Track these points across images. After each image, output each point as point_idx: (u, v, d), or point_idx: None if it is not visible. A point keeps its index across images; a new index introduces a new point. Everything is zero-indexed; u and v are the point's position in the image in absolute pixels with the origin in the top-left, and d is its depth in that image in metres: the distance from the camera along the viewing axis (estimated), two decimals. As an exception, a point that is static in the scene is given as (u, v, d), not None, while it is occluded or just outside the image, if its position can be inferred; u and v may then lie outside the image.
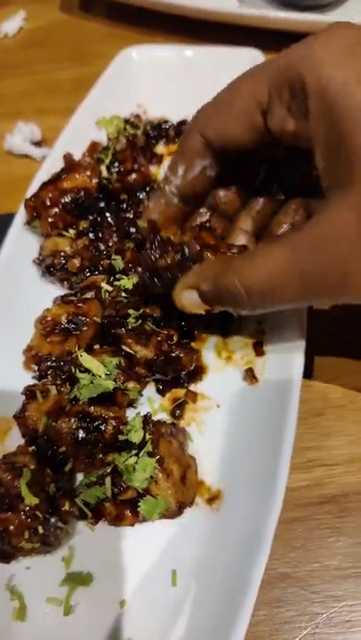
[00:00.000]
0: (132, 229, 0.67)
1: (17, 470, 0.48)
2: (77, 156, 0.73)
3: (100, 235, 0.66)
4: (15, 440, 0.53)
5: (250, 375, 0.58)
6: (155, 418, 0.56)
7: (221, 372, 0.60)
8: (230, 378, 0.59)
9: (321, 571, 0.51)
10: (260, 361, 0.59)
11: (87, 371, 0.52)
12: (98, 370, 0.52)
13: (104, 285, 0.60)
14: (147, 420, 0.52)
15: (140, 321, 0.56)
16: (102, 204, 0.68)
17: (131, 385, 0.54)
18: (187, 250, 0.54)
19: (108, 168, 0.68)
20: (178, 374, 0.57)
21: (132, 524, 0.50)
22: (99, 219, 0.67)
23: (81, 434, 0.50)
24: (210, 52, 0.88)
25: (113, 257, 0.61)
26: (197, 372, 0.59)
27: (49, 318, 0.59)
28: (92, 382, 0.51)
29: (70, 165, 0.68)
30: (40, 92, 0.99)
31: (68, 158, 0.69)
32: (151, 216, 0.57)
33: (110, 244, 0.65)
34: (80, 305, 0.59)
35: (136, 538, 0.51)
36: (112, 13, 1.11)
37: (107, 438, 0.50)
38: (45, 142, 0.89)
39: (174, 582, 0.48)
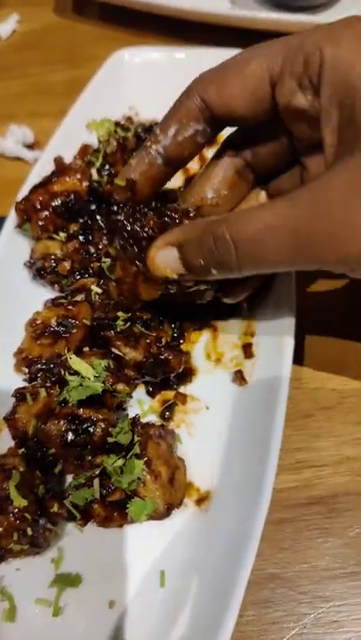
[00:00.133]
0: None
1: (6, 472, 0.49)
2: (69, 159, 0.73)
3: (91, 237, 0.66)
4: (5, 442, 0.54)
5: (239, 377, 0.58)
6: (145, 420, 0.56)
7: (211, 374, 0.60)
8: (220, 380, 0.59)
9: (309, 571, 0.51)
10: (250, 363, 0.59)
11: (76, 373, 0.52)
12: (87, 372, 0.52)
13: (94, 288, 0.60)
14: (135, 422, 0.52)
15: (128, 323, 0.57)
16: (93, 207, 0.69)
17: (120, 387, 0.55)
18: (169, 212, 0.52)
19: (99, 171, 0.68)
20: (167, 376, 0.58)
21: (121, 526, 0.51)
22: (89, 221, 0.67)
23: (70, 436, 0.50)
24: (202, 53, 0.88)
25: (103, 260, 0.61)
26: (187, 374, 0.59)
27: (39, 321, 0.59)
28: (81, 385, 0.52)
29: (61, 168, 0.68)
30: (33, 94, 0.99)
31: (58, 161, 0.69)
32: (131, 175, 0.54)
33: (100, 247, 0.65)
34: (70, 308, 0.59)
35: (125, 539, 0.51)
36: (105, 15, 1.11)
37: (95, 440, 0.50)
38: (38, 145, 0.89)
39: (162, 583, 0.48)
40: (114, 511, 0.50)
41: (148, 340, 0.56)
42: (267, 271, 0.48)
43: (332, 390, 0.61)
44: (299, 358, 0.62)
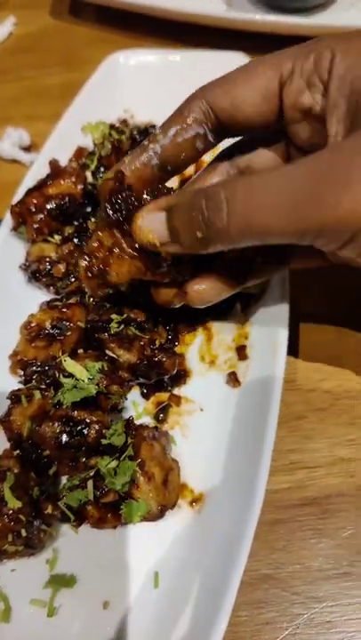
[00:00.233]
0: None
1: (1, 474, 0.49)
2: (64, 162, 0.74)
3: (85, 240, 0.66)
4: (0, 444, 0.54)
5: (233, 379, 0.58)
6: (139, 421, 0.56)
7: (205, 376, 0.60)
8: (214, 381, 0.60)
9: (302, 572, 0.52)
10: (243, 365, 0.59)
11: (71, 375, 0.53)
12: (81, 374, 0.52)
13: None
14: (129, 424, 0.53)
15: (122, 326, 0.57)
16: (88, 210, 0.69)
17: (114, 389, 0.55)
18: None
19: (94, 173, 0.69)
20: (161, 378, 0.58)
21: (115, 527, 0.51)
22: (84, 224, 0.68)
23: (64, 438, 0.51)
24: (197, 56, 0.89)
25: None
26: (181, 376, 0.60)
27: (33, 324, 0.59)
28: (75, 387, 0.52)
29: (56, 171, 0.69)
30: (29, 97, 0.99)
31: (53, 164, 0.70)
32: (121, 167, 0.53)
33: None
34: (64, 310, 0.59)
35: (119, 540, 0.51)
36: (102, 18, 1.12)
37: (90, 442, 0.51)
38: (34, 147, 0.90)
39: (157, 584, 0.49)
40: (107, 512, 0.50)
41: (142, 343, 0.57)
42: (256, 239, 0.44)
43: (325, 392, 0.61)
44: (292, 360, 0.63)
